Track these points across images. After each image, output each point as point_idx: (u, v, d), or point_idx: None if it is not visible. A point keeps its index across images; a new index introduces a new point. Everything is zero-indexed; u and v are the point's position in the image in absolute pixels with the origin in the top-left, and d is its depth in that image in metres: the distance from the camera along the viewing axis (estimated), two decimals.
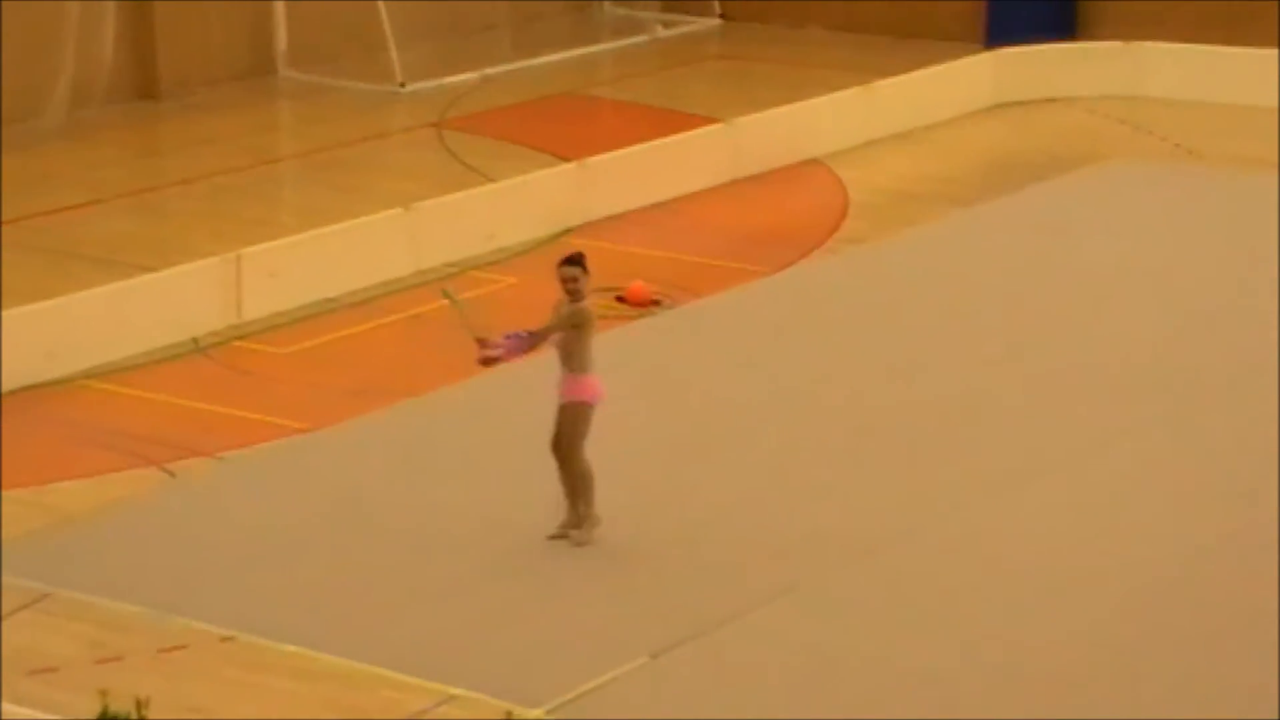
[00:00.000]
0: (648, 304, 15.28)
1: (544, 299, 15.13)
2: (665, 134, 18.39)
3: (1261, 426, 12.76)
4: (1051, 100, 20.63)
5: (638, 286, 15.39)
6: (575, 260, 11.17)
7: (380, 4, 21.46)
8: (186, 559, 11.26)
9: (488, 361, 11.11)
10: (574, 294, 11.09)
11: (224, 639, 10.39)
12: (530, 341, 11.12)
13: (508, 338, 11.14)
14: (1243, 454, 12.43)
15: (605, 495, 11.40)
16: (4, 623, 10.55)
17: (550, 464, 11.29)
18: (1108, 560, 11.20)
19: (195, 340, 14.61)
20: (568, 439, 11.10)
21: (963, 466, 12.39)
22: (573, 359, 11.08)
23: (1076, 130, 19.84)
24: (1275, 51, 20.20)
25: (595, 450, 11.28)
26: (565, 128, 19.95)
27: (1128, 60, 20.80)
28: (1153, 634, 10.40)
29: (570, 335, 11.06)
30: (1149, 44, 20.87)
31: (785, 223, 17.32)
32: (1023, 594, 10.84)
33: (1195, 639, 10.32)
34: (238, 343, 14.64)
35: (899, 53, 21.76)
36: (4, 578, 10.98)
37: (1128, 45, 20.91)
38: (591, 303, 11.19)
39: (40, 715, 9.37)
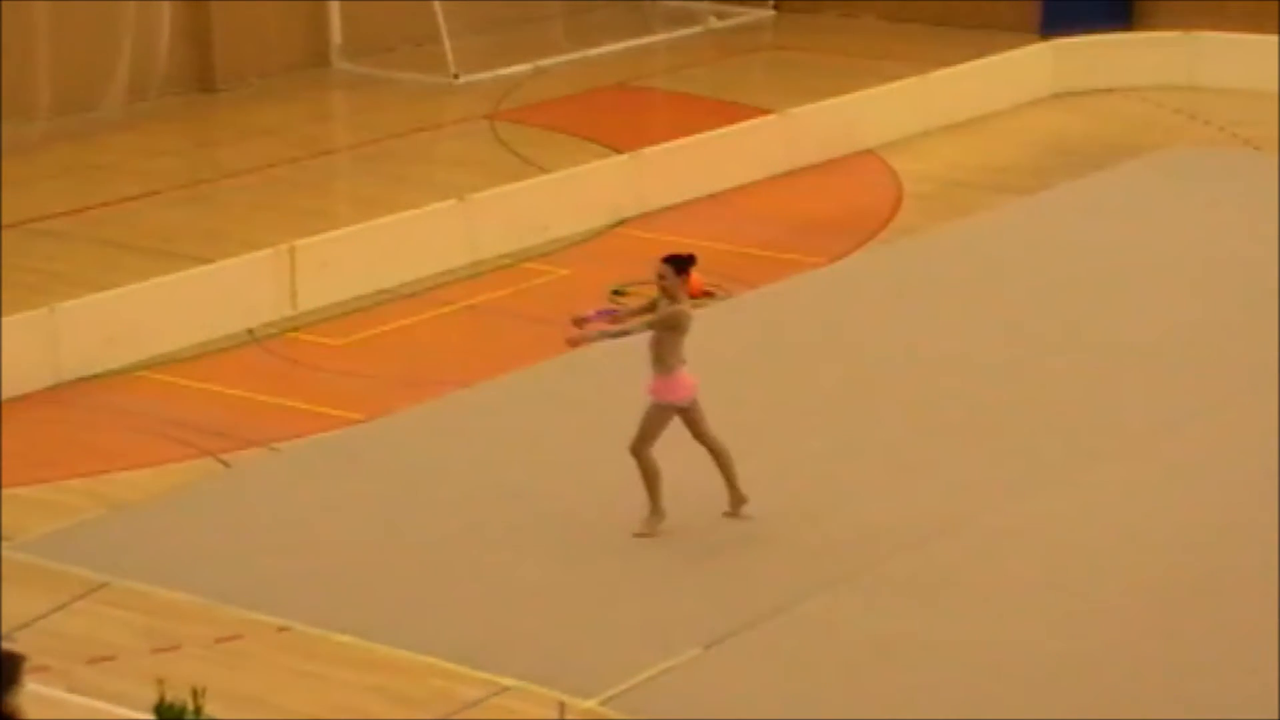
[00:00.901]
0: (701, 295, 15.24)
1: (598, 290, 15.20)
2: (719, 125, 18.36)
3: None
4: (1109, 90, 20.49)
5: (691, 277, 15.34)
6: (671, 259, 11.08)
7: None
8: (242, 549, 11.31)
9: (575, 343, 11.18)
10: (663, 292, 11.05)
11: (279, 629, 10.43)
12: (619, 334, 11.12)
13: (600, 314, 11.17)
14: None
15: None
16: (62, 612, 10.63)
17: (610, 453, 11.28)
18: (1162, 550, 11.12)
19: (250, 331, 14.66)
20: (639, 434, 11.09)
21: (1017, 456, 12.32)
22: (662, 361, 11.02)
23: (1134, 120, 19.71)
24: None
25: None
26: (619, 119, 19.94)
27: (1185, 50, 20.66)
28: (1209, 623, 10.32)
29: (663, 335, 11.01)
30: (1206, 34, 20.71)
31: (840, 213, 17.27)
32: (1075, 583, 10.77)
33: (1246, 629, 10.23)
34: (292, 333, 14.69)
35: (953, 43, 21.67)
36: (62, 567, 11.06)
37: (1185, 35, 20.77)
38: (689, 305, 11.12)
39: (98, 704, 9.43)
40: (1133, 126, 19.46)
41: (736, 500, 11.34)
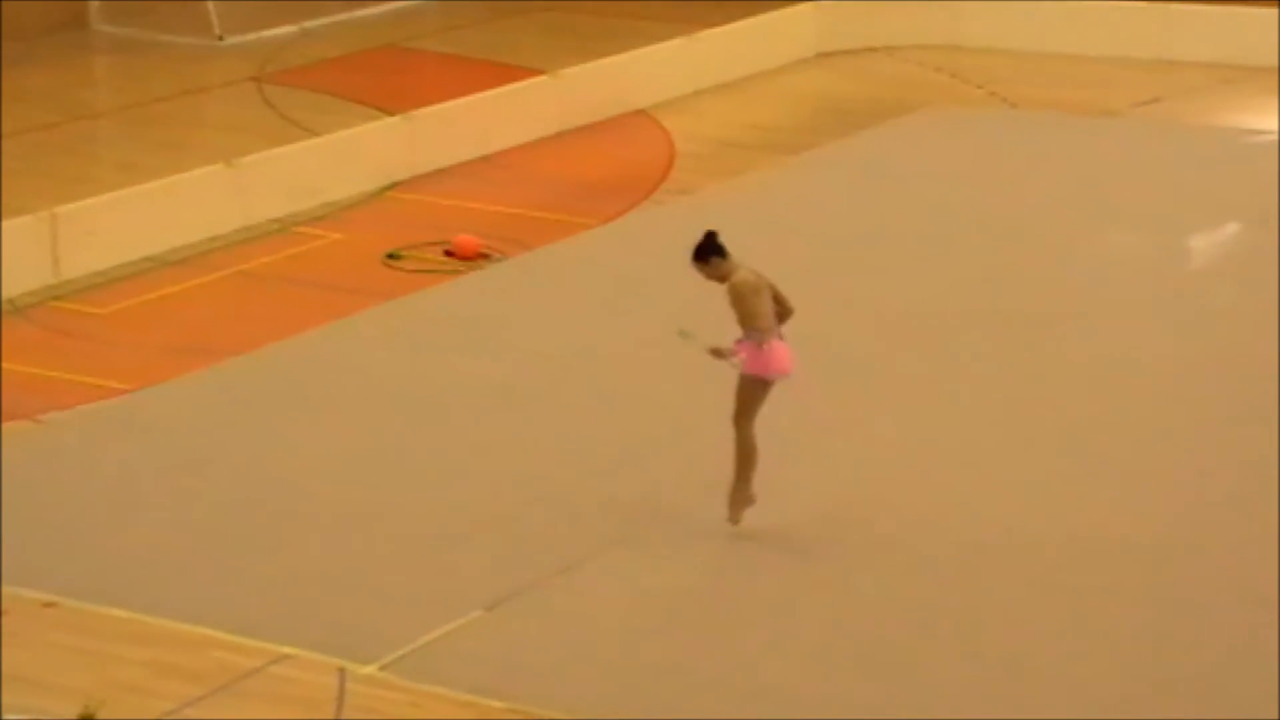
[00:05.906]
0: (476, 257, 15.21)
1: (371, 253, 15.07)
2: (491, 86, 18.29)
3: (1091, 369, 13.04)
4: (872, 50, 20.83)
5: (466, 239, 15.31)
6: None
7: None
8: (6, 524, 11.02)
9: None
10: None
11: (46, 604, 10.20)
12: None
13: (739, 343, 10.91)
14: (1081, 389, 12.69)
15: (439, 447, 11.33)
16: None
17: (387, 418, 11.20)
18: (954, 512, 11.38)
19: (11, 301, 14.30)
20: (736, 409, 10.87)
21: (793, 412, 12.46)
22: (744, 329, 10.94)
23: (897, 79, 20.07)
24: (1084, 2, 20.67)
25: (425, 404, 11.22)
26: (390, 80, 19.76)
27: (945, 10, 21.08)
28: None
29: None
30: None
31: (613, 174, 17.33)
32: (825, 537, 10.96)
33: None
34: (55, 303, 14.36)
35: (722, 3, 21.82)
36: None
37: None
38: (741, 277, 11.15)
39: None
40: (897, 86, 19.81)
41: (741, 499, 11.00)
